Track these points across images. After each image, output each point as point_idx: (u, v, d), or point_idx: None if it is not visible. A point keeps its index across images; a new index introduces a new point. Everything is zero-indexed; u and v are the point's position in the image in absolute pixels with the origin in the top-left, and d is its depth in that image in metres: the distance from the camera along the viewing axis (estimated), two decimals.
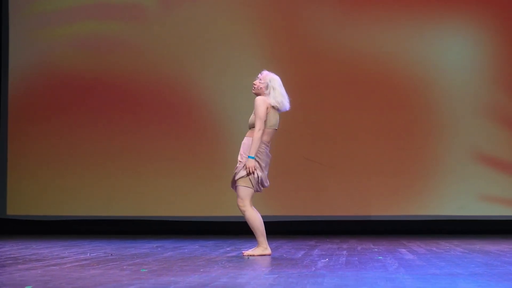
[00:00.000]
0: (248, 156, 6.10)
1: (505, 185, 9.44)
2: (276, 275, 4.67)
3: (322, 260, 5.73)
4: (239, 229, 9.68)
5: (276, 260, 5.85)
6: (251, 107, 10.03)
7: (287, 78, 9.70)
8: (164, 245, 7.54)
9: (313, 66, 9.72)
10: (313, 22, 9.73)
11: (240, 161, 6.21)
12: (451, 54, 9.61)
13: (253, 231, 6.27)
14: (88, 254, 6.31)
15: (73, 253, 6.48)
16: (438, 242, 7.87)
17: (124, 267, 5.21)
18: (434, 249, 6.90)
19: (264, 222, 9.25)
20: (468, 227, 9.54)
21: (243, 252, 6.40)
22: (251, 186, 6.15)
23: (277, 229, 9.69)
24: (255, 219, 6.22)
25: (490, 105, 9.55)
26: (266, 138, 6.23)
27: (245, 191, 6.17)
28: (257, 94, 6.32)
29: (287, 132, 9.61)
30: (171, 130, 9.81)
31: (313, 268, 5.10)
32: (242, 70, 9.75)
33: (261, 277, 4.60)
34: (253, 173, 6.07)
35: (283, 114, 8.73)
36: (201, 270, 5.01)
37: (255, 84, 6.34)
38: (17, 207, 9.95)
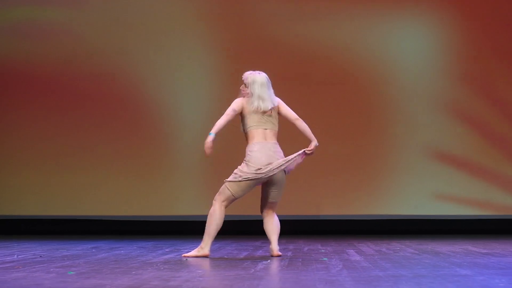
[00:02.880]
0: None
1: (461, 184, 9.55)
2: (211, 278, 4.65)
3: (263, 262, 5.73)
4: (181, 229, 9.68)
5: (216, 262, 5.84)
6: (200, 102, 10.06)
7: (238, 73, 9.71)
8: (100, 246, 7.48)
9: (265, 61, 9.70)
10: (267, 14, 9.72)
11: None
12: (406, 50, 9.68)
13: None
14: (16, 256, 6.23)
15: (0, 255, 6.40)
16: (390, 242, 7.94)
17: (51, 269, 5.15)
18: (384, 249, 6.95)
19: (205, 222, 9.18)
20: (423, 226, 9.65)
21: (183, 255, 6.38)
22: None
23: (224, 228, 9.69)
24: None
25: (446, 102, 9.65)
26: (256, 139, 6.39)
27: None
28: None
29: (236, 128, 9.59)
30: (110, 125, 9.72)
31: (252, 270, 5.10)
32: (191, 62, 9.71)
33: (195, 279, 4.58)
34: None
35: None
36: (133, 272, 4.97)
37: (242, 90, 6.44)
38: None
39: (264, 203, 6.36)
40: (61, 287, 4.21)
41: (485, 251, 6.65)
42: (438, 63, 9.67)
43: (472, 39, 9.63)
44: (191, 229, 9.69)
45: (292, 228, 9.56)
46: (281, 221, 9.77)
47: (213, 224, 6.25)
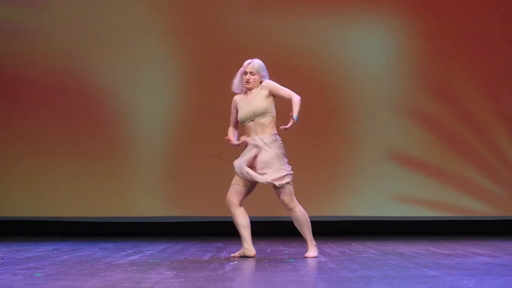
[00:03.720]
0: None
1: (419, 185, 9.68)
2: (182, 279, 4.66)
3: (230, 263, 5.75)
4: (140, 230, 9.65)
5: (181, 263, 5.84)
6: (161, 104, 10.01)
7: (195, 72, 9.74)
8: (61, 247, 7.42)
9: (224, 60, 9.72)
10: (226, 13, 9.74)
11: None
12: (366, 50, 9.78)
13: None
14: None
15: None
16: (351, 243, 8.02)
17: (17, 271, 5.11)
18: (347, 251, 7.03)
19: (170, 223, 9.21)
20: (382, 227, 9.76)
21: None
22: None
23: (184, 230, 9.70)
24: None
25: (406, 104, 9.77)
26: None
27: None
28: (249, 89, 6.41)
29: (195, 128, 9.63)
30: (70, 126, 9.65)
31: (221, 272, 5.12)
32: (152, 64, 9.69)
33: (166, 281, 4.59)
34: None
35: (192, 109, 8.82)
36: (101, 274, 4.96)
37: (249, 80, 6.42)
38: None
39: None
40: None
41: (447, 252, 6.77)
42: (396, 66, 9.80)
43: (430, 43, 9.77)
44: (151, 230, 9.69)
45: (253, 230, 9.59)
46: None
47: (309, 223, 6.36)
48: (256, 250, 7.03)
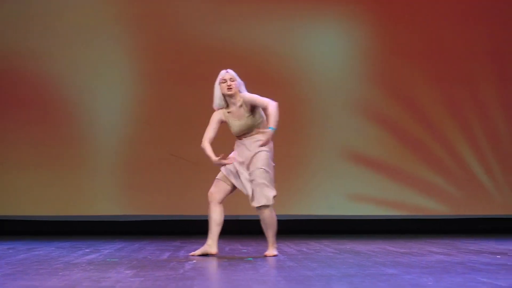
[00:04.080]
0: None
1: (375, 185, 9.77)
2: (142, 278, 4.65)
3: (189, 262, 5.75)
4: (97, 230, 9.58)
5: (140, 262, 5.82)
6: (119, 104, 9.95)
7: (152, 71, 9.70)
8: (16, 247, 7.34)
9: (181, 59, 9.71)
10: (183, 13, 9.72)
11: None
12: (322, 50, 9.84)
13: None
14: None
15: None
16: (308, 242, 8.07)
17: None
18: (305, 249, 7.07)
19: (127, 222, 9.17)
20: (338, 226, 9.83)
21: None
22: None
23: (141, 229, 9.66)
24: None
25: (362, 102, 9.86)
26: None
27: None
28: (232, 96, 6.38)
29: (153, 126, 9.59)
30: (28, 125, 9.55)
31: (181, 271, 5.12)
32: (110, 64, 9.63)
33: (126, 280, 4.58)
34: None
35: (149, 107, 8.79)
36: (60, 273, 4.92)
37: (231, 86, 6.38)
38: None
39: None
40: None
41: (404, 250, 6.85)
42: (353, 66, 9.87)
43: (386, 42, 9.87)
44: (108, 229, 9.62)
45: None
46: (197, 222, 9.82)
47: (275, 226, 6.56)
48: None
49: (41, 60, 9.57)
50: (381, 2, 9.92)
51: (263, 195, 6.26)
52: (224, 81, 6.40)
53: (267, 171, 6.31)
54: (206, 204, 9.98)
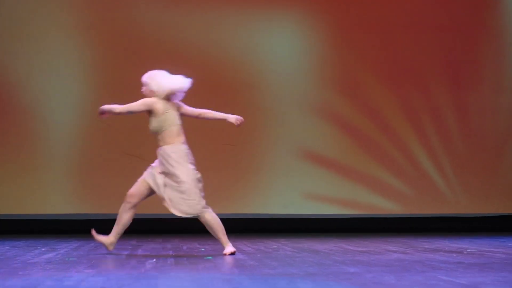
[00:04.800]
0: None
1: (328, 183, 9.84)
2: (105, 277, 4.63)
3: (149, 261, 5.74)
4: (50, 228, 9.49)
5: (99, 261, 5.79)
6: (72, 102, 9.87)
7: (106, 66, 9.64)
8: None
9: (135, 55, 9.65)
10: (136, 6, 9.67)
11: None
12: (278, 50, 9.87)
13: None
14: None
15: None
16: (264, 241, 8.10)
17: None
18: (262, 248, 7.10)
19: (77, 221, 9.11)
20: (293, 225, 9.89)
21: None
22: None
23: (95, 228, 9.57)
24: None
25: (316, 102, 9.92)
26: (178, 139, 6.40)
27: None
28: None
29: (109, 125, 9.50)
30: None
31: (142, 269, 5.11)
32: (63, 62, 9.54)
33: (89, 279, 4.55)
34: None
35: (103, 104, 8.53)
36: (20, 273, 4.87)
37: (142, 91, 6.46)
38: None
39: None
40: None
41: (361, 249, 6.93)
42: (307, 66, 9.93)
43: (338, 40, 9.94)
44: (62, 228, 9.52)
45: (165, 227, 9.59)
46: (152, 220, 9.81)
47: (221, 225, 6.53)
48: (172, 248, 7.06)
49: None
50: (336, 4, 9.99)
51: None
52: None
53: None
54: (160, 202, 9.94)
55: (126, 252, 6.61)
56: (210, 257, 6.11)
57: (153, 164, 6.44)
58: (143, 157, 9.49)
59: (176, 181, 6.23)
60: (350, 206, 9.87)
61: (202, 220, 6.36)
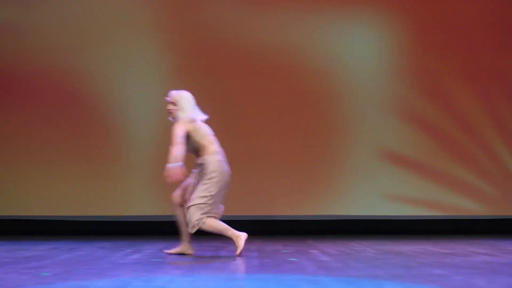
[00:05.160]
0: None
1: (412, 184, 9.72)
2: (192, 278, 4.67)
3: (234, 262, 5.76)
4: (134, 230, 9.63)
5: (184, 262, 5.84)
6: (153, 101, 10.00)
7: (186, 71, 9.74)
8: (58, 247, 7.39)
9: (215, 58, 9.72)
10: (217, 10, 9.74)
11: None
12: (357, 49, 9.80)
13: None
14: None
15: None
16: (347, 242, 8.05)
17: (21, 270, 5.09)
18: (346, 250, 7.06)
19: (165, 222, 9.24)
20: (375, 227, 9.80)
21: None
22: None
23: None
24: None
25: (396, 102, 9.81)
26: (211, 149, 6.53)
27: None
28: (174, 118, 6.60)
29: None
30: (60, 124, 9.60)
31: (228, 271, 5.14)
32: (144, 61, 9.66)
33: (176, 280, 4.60)
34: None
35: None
36: (109, 273, 4.95)
37: (169, 110, 6.60)
38: None
39: None
40: None
41: (446, 251, 6.82)
42: (388, 65, 9.83)
43: (421, 42, 9.81)
44: (143, 229, 9.66)
45: (249, 228, 9.60)
46: (236, 222, 9.83)
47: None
48: (255, 250, 7.07)
49: (75, 60, 9.60)
50: (418, 4, 9.84)
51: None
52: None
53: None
54: (244, 203, 9.98)
55: (210, 254, 6.65)
56: (294, 259, 6.10)
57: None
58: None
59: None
60: (434, 207, 9.73)
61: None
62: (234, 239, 6.39)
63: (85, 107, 9.63)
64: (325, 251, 6.91)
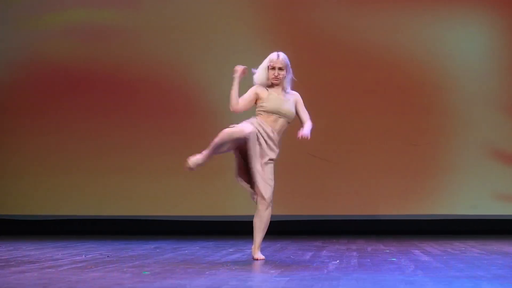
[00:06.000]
0: None
1: None
2: (288, 278, 4.66)
3: (333, 262, 5.72)
4: (239, 229, 9.69)
5: (283, 262, 5.84)
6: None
7: (305, 73, 9.68)
8: (162, 246, 7.52)
9: (319, 57, 9.70)
10: (320, 8, 9.70)
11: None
12: (464, 44, 9.59)
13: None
14: (84, 256, 6.29)
15: (67, 254, 6.46)
16: (452, 242, 7.88)
17: (125, 269, 5.20)
18: (449, 250, 6.91)
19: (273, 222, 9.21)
20: (482, 226, 9.55)
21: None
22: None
23: (281, 229, 9.69)
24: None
25: (505, 97, 9.54)
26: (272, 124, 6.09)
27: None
28: (277, 85, 6.09)
29: (292, 127, 9.57)
30: (168, 124, 9.78)
31: (325, 271, 5.10)
32: (245, 59, 9.71)
33: (272, 279, 4.60)
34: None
35: None
36: (207, 272, 5.00)
37: (279, 77, 6.06)
38: (3, 207, 9.91)
39: None
40: (141, 287, 4.25)
41: None
42: (495, 60, 9.58)
43: None
44: (243, 229, 9.70)
45: (352, 228, 9.56)
46: (340, 222, 9.81)
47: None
48: (356, 249, 7.00)
49: (183, 56, 9.77)
50: None
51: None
52: (273, 68, 6.07)
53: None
54: (347, 203, 9.87)
55: (310, 253, 6.63)
56: (394, 259, 6.01)
57: None
58: (329, 160, 9.54)
59: None
60: None
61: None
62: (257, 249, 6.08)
63: (194, 107, 9.75)
64: (427, 251, 6.78)
